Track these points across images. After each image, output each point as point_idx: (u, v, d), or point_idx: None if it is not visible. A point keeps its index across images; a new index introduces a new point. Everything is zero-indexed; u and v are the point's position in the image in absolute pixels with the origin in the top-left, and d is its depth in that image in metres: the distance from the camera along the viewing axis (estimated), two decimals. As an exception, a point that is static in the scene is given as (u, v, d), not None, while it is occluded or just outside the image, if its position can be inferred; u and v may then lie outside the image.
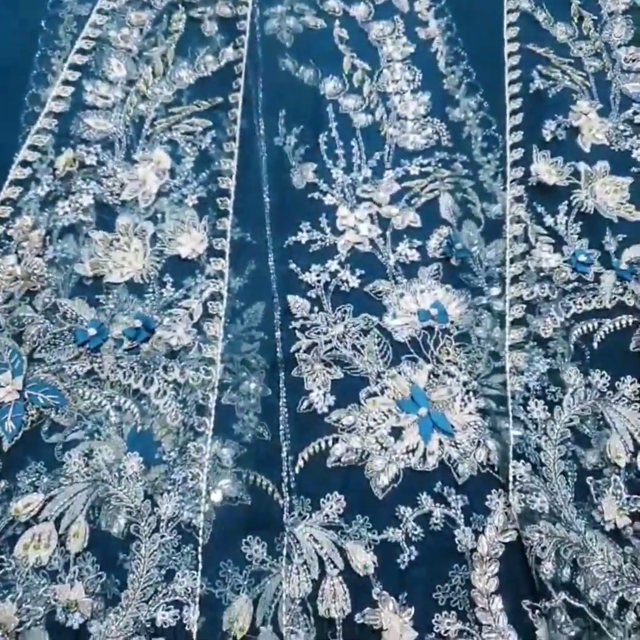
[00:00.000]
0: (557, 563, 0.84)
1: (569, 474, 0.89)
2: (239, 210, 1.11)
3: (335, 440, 0.92)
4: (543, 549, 0.84)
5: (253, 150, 1.16)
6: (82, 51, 1.25)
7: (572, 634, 0.80)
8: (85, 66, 1.24)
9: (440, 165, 1.16)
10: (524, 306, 1.02)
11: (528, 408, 0.94)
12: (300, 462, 0.91)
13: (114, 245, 1.06)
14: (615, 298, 1.00)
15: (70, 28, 1.28)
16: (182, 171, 1.14)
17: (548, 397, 0.95)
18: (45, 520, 0.86)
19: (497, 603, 0.82)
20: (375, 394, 0.95)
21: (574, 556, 0.84)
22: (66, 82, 1.22)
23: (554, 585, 0.82)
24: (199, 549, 0.85)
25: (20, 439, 0.91)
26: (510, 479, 0.89)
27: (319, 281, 1.04)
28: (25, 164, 1.12)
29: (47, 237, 1.06)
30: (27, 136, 1.15)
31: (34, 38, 1.26)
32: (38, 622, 0.80)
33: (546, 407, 0.94)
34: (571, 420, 0.93)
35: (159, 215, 1.10)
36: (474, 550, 0.85)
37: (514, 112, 1.21)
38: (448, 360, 0.98)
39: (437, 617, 0.81)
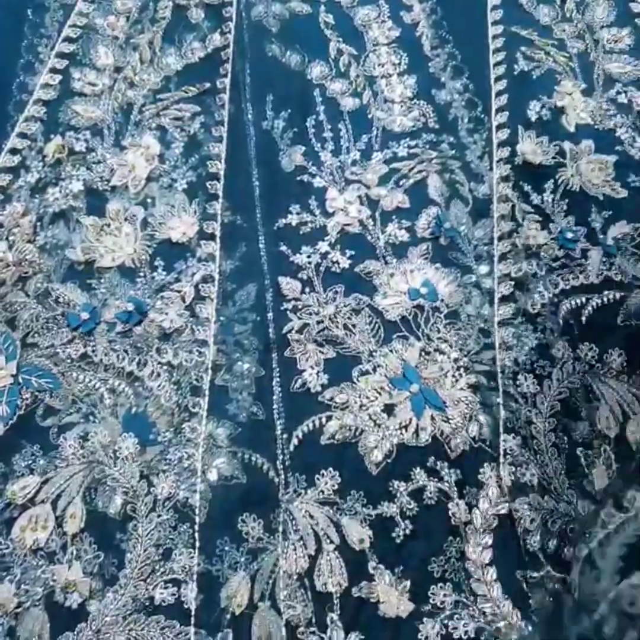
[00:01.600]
0: (544, 535, 0.86)
1: (560, 445, 0.91)
2: (228, 193, 1.11)
3: (329, 418, 0.93)
4: (531, 521, 0.86)
5: (242, 135, 1.17)
6: (69, 39, 1.25)
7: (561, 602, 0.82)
8: (73, 54, 1.24)
9: (427, 146, 1.16)
10: (513, 283, 1.03)
11: (517, 382, 0.95)
12: (295, 440, 0.92)
13: (104, 230, 1.06)
14: (602, 273, 1.01)
15: (56, 16, 1.27)
16: (172, 156, 1.14)
17: (537, 371, 0.96)
18: (42, 502, 0.87)
19: (492, 574, 0.83)
20: (367, 372, 0.96)
21: (563, 527, 0.86)
22: (54, 70, 1.21)
23: (543, 556, 0.84)
24: (196, 527, 0.86)
25: (15, 423, 0.91)
26: (501, 452, 0.90)
27: (309, 262, 1.05)
28: (14, 151, 1.12)
29: (38, 223, 1.06)
30: (15, 124, 1.15)
31: (20, 27, 1.26)
32: (37, 603, 0.81)
33: (535, 381, 0.95)
34: (560, 393, 0.94)
35: (149, 200, 1.10)
36: (467, 522, 0.86)
37: (498, 94, 1.21)
38: (439, 338, 0.98)
39: (433, 588, 0.83)
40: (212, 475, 0.89)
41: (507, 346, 0.98)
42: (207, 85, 1.22)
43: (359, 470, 0.89)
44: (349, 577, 0.83)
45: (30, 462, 0.89)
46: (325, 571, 0.84)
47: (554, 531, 0.86)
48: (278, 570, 0.84)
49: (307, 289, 1.03)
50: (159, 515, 0.86)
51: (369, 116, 1.21)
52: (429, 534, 0.86)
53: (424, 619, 0.81)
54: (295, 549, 0.85)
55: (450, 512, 0.87)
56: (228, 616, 0.82)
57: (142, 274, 1.03)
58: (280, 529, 0.86)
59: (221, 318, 1.00)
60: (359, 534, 0.85)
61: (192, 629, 0.81)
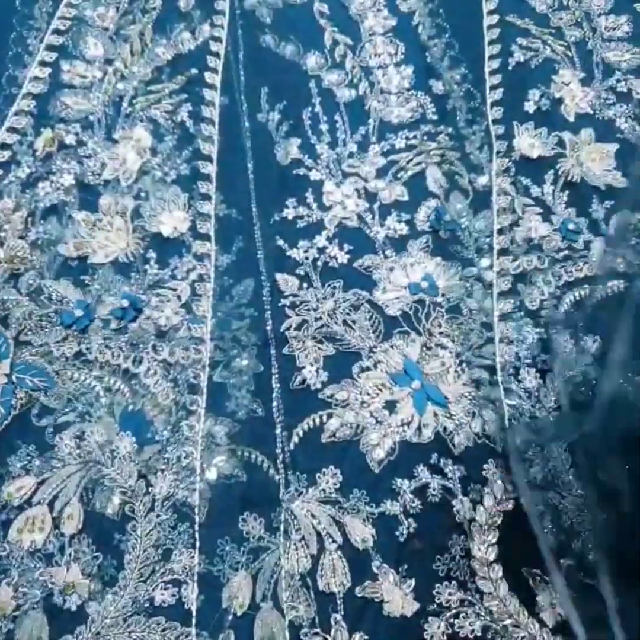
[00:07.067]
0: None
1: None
2: (223, 187, 1.09)
3: (330, 416, 0.91)
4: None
5: (236, 128, 1.15)
6: (58, 31, 1.23)
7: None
8: (62, 46, 1.21)
9: (425, 138, 1.14)
10: (512, 278, 1.02)
11: (520, 377, 0.94)
12: (295, 438, 0.90)
13: (97, 225, 1.05)
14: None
15: (45, 7, 1.25)
16: (164, 149, 1.12)
17: (539, 365, 0.95)
18: (39, 503, 0.85)
19: (497, 571, 0.82)
20: (368, 369, 0.95)
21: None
22: (43, 63, 1.19)
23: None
24: (196, 527, 0.85)
25: (10, 423, 0.90)
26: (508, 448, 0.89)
27: (307, 257, 1.03)
28: (4, 146, 1.10)
29: (29, 219, 1.04)
30: (5, 118, 1.13)
31: (8, 18, 1.23)
32: (35, 605, 0.80)
33: (538, 375, 0.94)
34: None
35: (142, 194, 1.08)
36: (472, 519, 0.85)
37: (493, 87, 1.20)
38: (440, 333, 0.97)
39: (438, 587, 0.82)
40: (212, 474, 0.88)
41: (508, 341, 0.97)
42: (195, 71, 1.20)
43: (361, 468, 0.88)
44: (352, 576, 0.82)
45: (26, 462, 0.87)
46: (327, 571, 0.83)
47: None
48: (280, 569, 0.83)
49: (304, 285, 1.01)
50: (158, 515, 0.85)
51: (366, 107, 1.19)
52: (433, 532, 0.85)
53: (430, 618, 0.80)
54: (297, 549, 0.84)
55: (454, 510, 0.86)
56: (230, 617, 0.81)
57: (135, 269, 1.02)
58: (282, 528, 0.85)
59: (218, 314, 0.99)
60: (361, 533, 0.84)
61: (193, 630, 0.80)
